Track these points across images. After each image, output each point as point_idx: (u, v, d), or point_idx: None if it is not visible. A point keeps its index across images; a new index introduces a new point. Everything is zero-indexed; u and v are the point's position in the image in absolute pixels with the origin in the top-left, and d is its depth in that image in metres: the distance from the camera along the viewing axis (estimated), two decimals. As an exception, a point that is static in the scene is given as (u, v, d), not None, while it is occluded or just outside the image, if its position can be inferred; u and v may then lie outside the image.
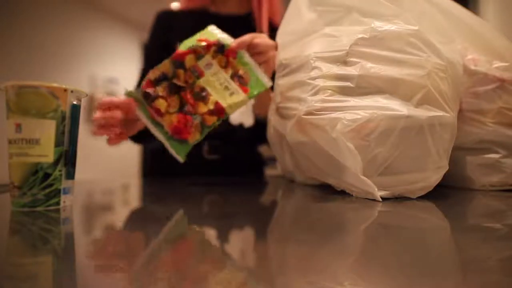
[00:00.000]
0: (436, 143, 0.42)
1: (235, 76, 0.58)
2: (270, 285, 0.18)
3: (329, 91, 0.45)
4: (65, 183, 0.39)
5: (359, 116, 0.41)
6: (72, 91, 0.39)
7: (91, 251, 0.25)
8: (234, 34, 0.60)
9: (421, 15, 0.47)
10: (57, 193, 0.38)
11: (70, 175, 0.40)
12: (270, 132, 0.67)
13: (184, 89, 0.57)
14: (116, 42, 4.11)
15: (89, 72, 3.75)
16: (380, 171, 0.42)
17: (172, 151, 0.57)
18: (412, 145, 0.41)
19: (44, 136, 0.37)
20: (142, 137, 0.65)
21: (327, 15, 0.51)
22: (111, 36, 4.05)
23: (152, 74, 0.57)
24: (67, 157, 0.39)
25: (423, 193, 0.44)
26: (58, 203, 0.38)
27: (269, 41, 0.62)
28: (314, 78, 0.46)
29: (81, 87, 0.40)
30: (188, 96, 0.57)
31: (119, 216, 0.41)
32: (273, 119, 0.62)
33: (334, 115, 0.43)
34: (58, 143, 0.38)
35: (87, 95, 0.42)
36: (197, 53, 0.58)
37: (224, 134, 0.83)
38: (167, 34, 0.91)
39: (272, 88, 0.60)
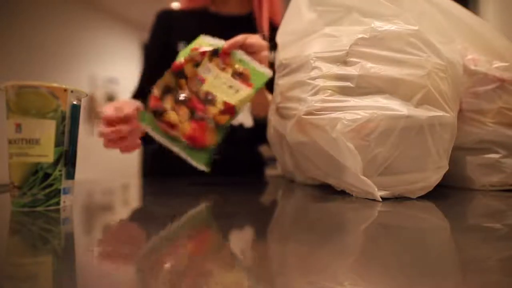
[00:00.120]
0: (436, 143, 0.42)
1: (235, 74, 0.59)
2: (270, 285, 0.18)
3: (329, 91, 0.45)
4: (65, 183, 0.39)
5: (359, 116, 0.41)
6: (72, 91, 0.39)
7: (91, 251, 0.25)
8: (235, 34, 0.60)
9: (421, 15, 0.47)
10: (57, 193, 0.38)
11: (70, 175, 0.40)
12: (270, 132, 0.67)
13: (189, 97, 0.57)
14: (116, 42, 4.12)
15: (89, 72, 3.75)
16: (380, 171, 0.42)
17: (194, 162, 0.55)
18: (412, 145, 0.41)
19: (44, 136, 0.37)
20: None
21: (327, 15, 0.51)
22: (111, 36, 4.06)
23: (156, 90, 0.56)
24: (67, 157, 0.39)
25: (423, 193, 0.44)
26: (58, 203, 0.38)
27: (262, 42, 0.62)
28: (314, 78, 0.46)
29: (81, 87, 0.40)
30: (196, 102, 0.57)
31: (119, 216, 0.41)
32: (273, 119, 0.62)
33: (334, 115, 0.43)
34: (58, 143, 0.38)
35: (87, 95, 0.42)
36: (194, 61, 0.58)
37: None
38: (167, 34, 0.91)
39: (268, 88, 0.60)
